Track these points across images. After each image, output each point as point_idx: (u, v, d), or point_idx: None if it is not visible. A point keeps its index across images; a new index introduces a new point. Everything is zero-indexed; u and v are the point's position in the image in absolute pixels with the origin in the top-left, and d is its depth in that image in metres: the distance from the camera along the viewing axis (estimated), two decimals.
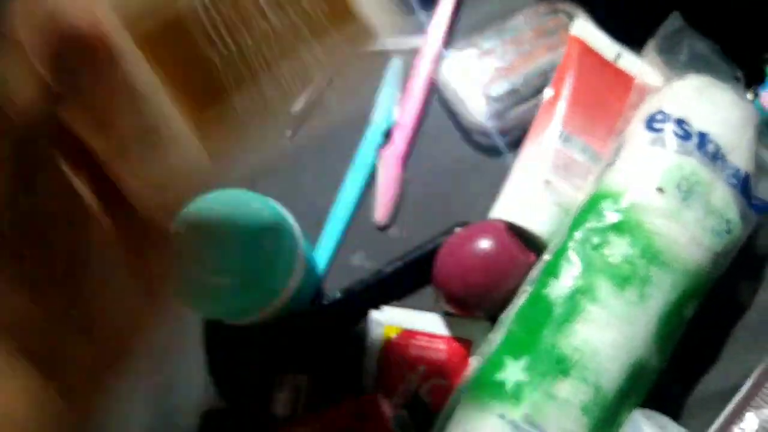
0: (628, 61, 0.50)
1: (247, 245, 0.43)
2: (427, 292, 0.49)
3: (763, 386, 0.43)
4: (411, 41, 0.56)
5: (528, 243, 0.45)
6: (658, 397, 0.41)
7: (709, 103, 0.45)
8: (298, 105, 0.54)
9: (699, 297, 0.41)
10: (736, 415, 0.42)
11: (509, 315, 0.41)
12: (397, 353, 0.47)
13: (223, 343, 0.49)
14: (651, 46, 0.47)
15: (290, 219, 0.45)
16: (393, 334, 0.48)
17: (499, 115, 0.51)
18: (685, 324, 0.41)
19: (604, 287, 0.38)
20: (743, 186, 0.43)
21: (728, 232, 0.41)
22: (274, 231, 0.43)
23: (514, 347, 0.39)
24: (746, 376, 0.43)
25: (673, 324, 0.40)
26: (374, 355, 0.47)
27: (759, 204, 0.45)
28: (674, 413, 0.44)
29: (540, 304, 0.39)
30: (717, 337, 0.45)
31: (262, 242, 0.43)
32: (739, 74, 0.48)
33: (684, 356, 0.42)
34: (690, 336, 0.42)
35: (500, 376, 0.38)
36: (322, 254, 0.51)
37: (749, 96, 0.50)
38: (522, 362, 0.38)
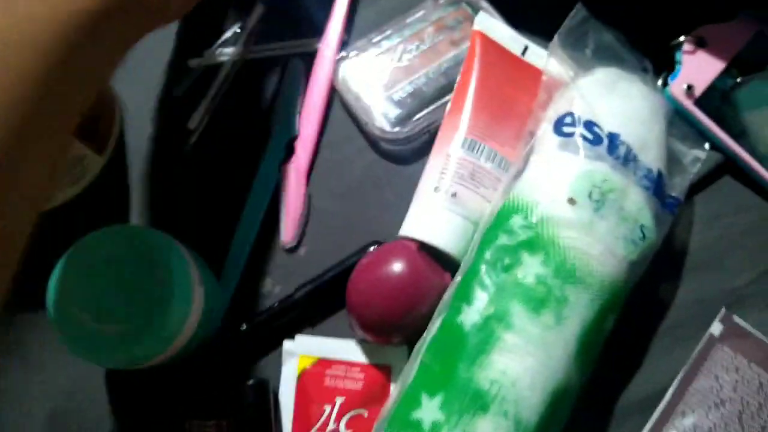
0: (536, 55, 0.48)
1: (134, 288, 0.40)
2: (340, 318, 0.46)
3: (685, 392, 0.42)
4: (309, 43, 0.52)
5: (442, 262, 0.43)
6: (582, 409, 0.40)
7: (618, 97, 0.43)
8: (193, 120, 0.50)
9: (617, 309, 0.40)
10: (663, 423, 0.41)
11: (423, 344, 0.39)
12: (314, 385, 0.45)
13: (125, 388, 0.46)
14: (556, 40, 0.44)
15: (184, 252, 0.42)
16: (308, 365, 0.45)
17: (403, 120, 0.48)
18: (605, 338, 0.40)
19: (518, 312, 0.36)
20: (656, 187, 0.41)
21: (643, 238, 0.40)
22: (165, 270, 0.40)
23: (428, 382, 0.37)
24: (670, 380, 0.42)
25: (593, 341, 0.38)
26: (290, 389, 0.45)
27: (673, 202, 0.44)
28: (600, 425, 0.43)
29: (453, 334, 0.37)
30: (639, 341, 0.44)
31: (151, 283, 0.40)
32: (648, 64, 0.46)
33: (605, 364, 0.41)
34: (611, 345, 0.41)
35: (416, 415, 0.36)
36: (227, 283, 0.47)
37: (659, 83, 0.48)
38: (438, 399, 0.36)
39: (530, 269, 0.37)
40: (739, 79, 0.47)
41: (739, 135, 0.46)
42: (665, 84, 0.48)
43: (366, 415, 0.43)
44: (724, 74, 0.48)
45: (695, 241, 0.46)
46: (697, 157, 0.46)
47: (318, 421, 0.43)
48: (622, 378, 0.43)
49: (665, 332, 0.44)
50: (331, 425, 0.43)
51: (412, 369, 0.38)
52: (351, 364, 0.44)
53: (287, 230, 0.48)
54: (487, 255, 0.38)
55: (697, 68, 0.47)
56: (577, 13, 0.45)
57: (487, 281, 0.38)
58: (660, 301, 0.45)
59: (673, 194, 0.44)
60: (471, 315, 0.37)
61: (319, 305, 0.46)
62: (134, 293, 0.40)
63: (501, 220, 0.39)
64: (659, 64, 0.48)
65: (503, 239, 0.38)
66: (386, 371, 0.44)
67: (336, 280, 0.45)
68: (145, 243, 0.41)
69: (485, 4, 0.50)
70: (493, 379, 0.35)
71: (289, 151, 0.49)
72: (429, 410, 0.36)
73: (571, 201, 0.38)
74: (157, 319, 0.39)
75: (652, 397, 0.42)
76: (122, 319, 0.39)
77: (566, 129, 0.41)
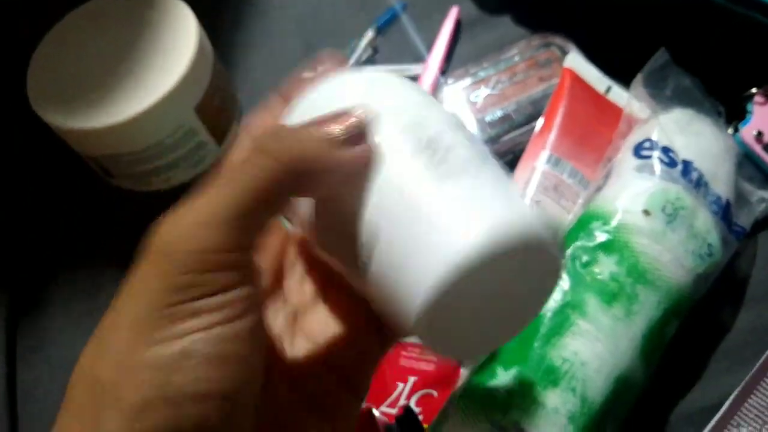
0: (617, 94, 0.53)
1: None
2: None
3: (741, 406, 0.44)
4: (410, 69, 0.58)
5: None
6: (641, 412, 0.43)
7: (693, 134, 0.48)
8: None
9: (681, 316, 0.43)
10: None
11: None
12: (390, 363, 0.49)
13: None
14: (638, 79, 0.50)
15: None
16: None
17: (492, 139, 0.53)
18: (667, 342, 0.43)
19: (592, 303, 0.40)
20: (724, 212, 0.45)
21: (710, 255, 0.43)
22: None
23: (505, 357, 0.40)
24: (725, 396, 0.45)
25: (656, 340, 0.42)
26: None
27: (739, 230, 0.47)
28: (656, 429, 0.46)
29: None
30: (699, 357, 0.47)
31: None
32: (721, 109, 0.51)
33: (666, 374, 0.44)
34: (673, 355, 0.44)
35: (491, 384, 0.40)
36: None
37: (730, 131, 0.53)
38: (513, 372, 0.40)
39: (605, 267, 0.41)
40: None
41: None
42: (736, 130, 0.52)
43: (436, 395, 0.47)
44: None
45: (756, 274, 0.50)
46: (762, 198, 0.50)
47: (390, 396, 0.47)
48: (680, 389, 0.46)
49: (723, 352, 0.47)
50: (402, 401, 0.47)
51: None
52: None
53: None
54: (567, 253, 0.43)
55: (767, 118, 0.52)
56: (660, 56, 0.50)
57: (566, 275, 0.42)
58: (720, 322, 0.48)
59: (740, 223, 0.47)
60: (549, 302, 0.41)
61: None
62: None
63: (582, 224, 0.44)
64: (731, 112, 0.52)
65: (583, 240, 0.43)
66: None
67: None
68: None
69: (573, 48, 0.56)
70: (565, 358, 0.39)
71: None
72: (504, 381, 0.39)
73: (646, 212, 0.42)
74: None
75: (706, 410, 0.45)
76: None
77: (644, 152, 0.45)
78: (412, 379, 0.48)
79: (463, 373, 0.47)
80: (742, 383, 0.45)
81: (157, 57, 0.49)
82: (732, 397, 0.45)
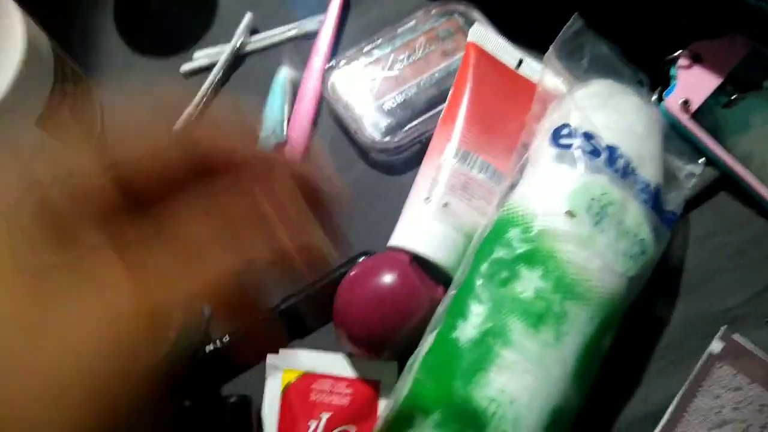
0: (531, 68, 0.47)
1: None
2: (328, 330, 0.44)
3: (685, 410, 0.41)
4: (299, 48, 0.51)
5: (434, 275, 0.41)
6: (580, 430, 0.39)
7: (615, 111, 0.42)
8: (177, 126, 0.48)
9: (615, 326, 0.39)
10: None
11: (416, 360, 0.37)
12: (298, 400, 0.43)
13: None
14: (551, 51, 0.44)
15: None
16: (293, 379, 0.43)
17: (393, 130, 0.47)
18: (603, 356, 0.38)
19: (517, 328, 0.35)
20: (654, 201, 0.40)
21: (642, 253, 0.38)
22: None
23: (423, 400, 0.35)
24: (668, 400, 0.41)
25: (591, 359, 0.37)
26: (274, 405, 0.43)
27: (670, 217, 0.43)
28: None
29: (448, 350, 0.36)
30: (636, 360, 0.43)
31: None
32: (644, 78, 0.45)
33: (602, 384, 0.40)
34: (608, 364, 0.40)
35: None
36: None
37: (653, 98, 0.48)
38: (433, 418, 0.34)
39: (529, 283, 0.36)
40: (734, 96, 0.47)
41: (733, 151, 0.46)
42: (660, 99, 0.47)
43: (354, 430, 0.41)
44: (719, 91, 0.47)
45: (690, 259, 0.45)
46: (692, 173, 0.45)
47: None
48: (620, 397, 0.42)
49: (662, 351, 0.43)
50: None
51: (404, 386, 0.37)
52: (338, 379, 0.43)
53: None
54: (483, 268, 0.37)
55: (693, 84, 0.47)
56: (574, 23, 0.44)
57: (484, 295, 0.36)
58: (656, 319, 0.44)
59: (670, 209, 0.43)
60: (467, 330, 0.36)
61: (305, 318, 0.44)
62: None
63: (497, 233, 0.38)
64: (654, 79, 0.47)
65: (500, 252, 0.37)
66: (375, 386, 0.42)
67: (322, 292, 0.43)
68: None
69: (478, 16, 0.50)
70: (491, 398, 0.34)
71: None
72: (424, 429, 0.34)
73: (570, 214, 0.37)
74: None
75: (650, 417, 0.41)
76: None
77: (563, 141, 0.40)
78: (325, 416, 0.42)
79: (382, 405, 0.41)
80: (685, 384, 0.41)
81: None
82: (675, 401, 0.41)
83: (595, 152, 0.39)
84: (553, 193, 0.38)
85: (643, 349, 0.43)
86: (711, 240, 0.46)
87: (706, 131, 0.46)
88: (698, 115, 0.46)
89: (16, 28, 0.41)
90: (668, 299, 0.44)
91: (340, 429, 0.42)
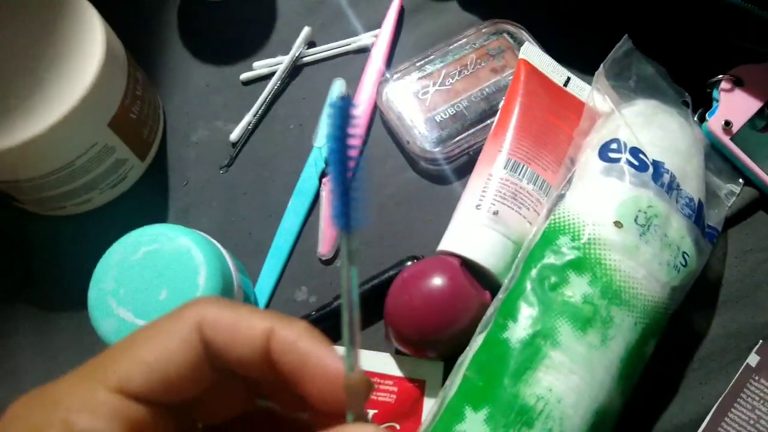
0: (577, 86, 0.49)
1: (172, 285, 0.39)
2: (376, 330, 0.46)
3: (722, 421, 0.42)
4: (354, 61, 0.53)
5: (482, 280, 0.43)
6: None
7: (659, 129, 0.44)
8: (235, 133, 0.51)
9: (658, 334, 0.40)
10: None
11: (466, 359, 0.39)
12: None
13: None
14: (601, 71, 0.46)
15: (224, 255, 0.42)
16: None
17: (444, 141, 0.49)
18: (645, 362, 0.40)
19: (565, 330, 0.37)
20: (697, 215, 0.42)
21: (685, 265, 0.40)
22: (202, 270, 0.40)
23: (473, 396, 0.37)
24: (705, 410, 0.42)
25: (634, 364, 0.38)
26: None
27: (712, 233, 0.44)
28: None
29: (498, 350, 0.37)
30: (675, 369, 0.44)
31: (187, 283, 0.39)
32: (687, 98, 0.47)
33: (642, 391, 0.41)
34: (647, 369, 0.41)
35: (460, 428, 0.36)
36: (262, 290, 0.47)
37: (695, 119, 0.49)
38: (482, 413, 0.36)
39: (577, 288, 0.37)
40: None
41: None
42: (702, 119, 0.49)
43: (398, 428, 0.43)
44: (758, 115, 0.49)
45: (729, 274, 0.47)
46: (732, 191, 0.47)
47: None
48: (658, 405, 0.43)
49: (701, 361, 0.44)
50: None
51: (454, 383, 0.38)
52: (384, 377, 0.44)
53: (325, 242, 0.48)
54: (533, 273, 0.39)
55: (734, 106, 0.49)
56: (623, 44, 0.46)
57: (533, 298, 0.38)
58: (695, 331, 0.45)
59: (711, 224, 0.44)
60: (517, 331, 0.37)
61: None
62: (172, 290, 0.40)
63: (547, 239, 0.40)
64: (696, 101, 0.49)
65: (550, 258, 0.39)
66: (420, 386, 0.44)
67: (373, 292, 0.45)
68: (185, 243, 0.41)
69: (527, 36, 0.52)
70: (539, 396, 0.35)
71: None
72: (473, 424, 0.36)
73: (618, 224, 0.39)
74: None
75: (687, 426, 0.42)
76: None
77: (612, 155, 0.41)
78: (371, 413, 0.44)
79: (427, 404, 0.43)
80: (722, 396, 0.43)
81: (57, 66, 0.42)
82: (712, 411, 0.42)
83: (642, 166, 0.41)
84: (601, 203, 0.40)
85: (683, 358, 0.45)
86: (750, 256, 0.47)
87: (746, 152, 0.47)
88: (737, 137, 0.48)
89: (97, 32, 0.43)
90: (708, 311, 0.46)
91: (384, 426, 0.43)
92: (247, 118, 0.52)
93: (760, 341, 0.44)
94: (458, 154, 0.49)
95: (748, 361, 0.43)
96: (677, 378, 0.44)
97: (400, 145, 0.50)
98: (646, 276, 0.38)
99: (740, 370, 0.43)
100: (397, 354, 0.45)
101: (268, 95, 0.52)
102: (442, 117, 0.49)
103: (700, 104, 0.50)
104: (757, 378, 0.43)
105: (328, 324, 0.46)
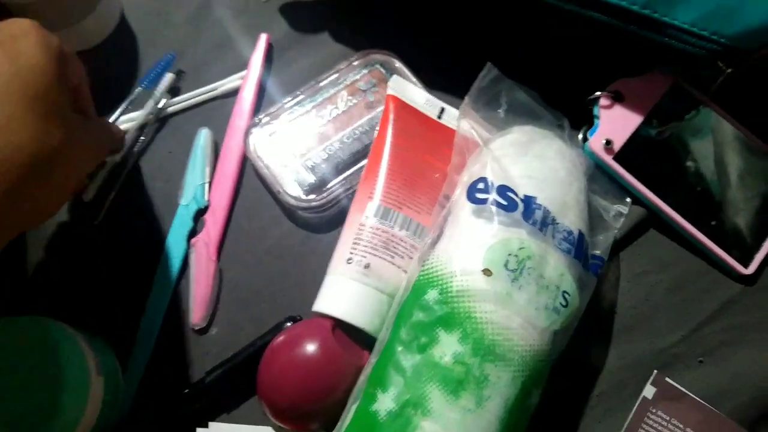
0: (453, 116, 0.47)
1: (21, 383, 0.36)
2: (256, 402, 0.43)
3: None
4: (224, 106, 0.50)
5: (360, 339, 0.40)
6: None
7: (535, 158, 0.42)
8: (90, 192, 0.47)
9: (542, 382, 0.38)
10: None
11: None
12: None
13: None
14: (466, 101, 0.43)
15: (80, 341, 0.39)
16: None
17: (317, 187, 0.46)
18: (530, 414, 0.38)
19: (436, 397, 0.34)
20: (577, 249, 0.40)
21: (566, 305, 0.38)
22: (57, 363, 0.37)
23: None
24: None
25: (517, 421, 0.36)
26: None
27: (597, 263, 0.42)
28: None
29: (367, 424, 0.35)
30: (571, 412, 0.42)
31: (41, 379, 0.36)
32: (564, 122, 0.45)
33: None
34: (540, 418, 0.39)
35: None
36: (134, 369, 0.44)
37: (579, 137, 0.47)
38: None
39: (447, 348, 0.35)
40: (660, 128, 0.47)
41: (662, 186, 0.46)
42: (585, 139, 0.47)
43: None
44: (645, 124, 0.47)
45: (622, 300, 0.45)
46: (620, 212, 0.45)
47: None
48: None
49: (598, 398, 0.43)
50: None
51: None
52: None
53: (196, 310, 0.45)
54: (403, 334, 0.36)
55: (616, 122, 0.47)
56: (488, 72, 0.44)
57: (404, 363, 0.35)
58: (590, 365, 0.43)
59: (597, 253, 0.42)
60: (386, 402, 0.35)
61: (233, 389, 0.43)
62: (21, 389, 0.36)
63: (416, 295, 0.37)
64: (578, 119, 0.47)
65: (419, 315, 0.36)
66: None
67: (250, 361, 0.42)
68: (35, 335, 0.38)
69: (399, 65, 0.49)
70: None
71: (198, 223, 0.47)
72: None
73: (487, 272, 0.36)
74: (46, 416, 0.36)
75: None
76: (8, 416, 0.36)
77: (479, 195, 0.39)
78: None
79: None
80: None
81: None
82: None
83: (511, 206, 0.38)
84: (470, 250, 0.37)
85: (578, 398, 0.43)
86: (643, 279, 0.46)
87: (632, 169, 0.46)
88: (624, 153, 0.46)
89: None
90: (602, 344, 0.44)
91: None
92: (102, 174, 0.48)
93: (655, 372, 0.42)
94: (334, 200, 0.46)
95: (644, 393, 0.41)
96: (574, 419, 0.42)
97: (273, 195, 0.47)
98: (522, 324, 0.36)
99: (636, 404, 0.41)
100: (279, 429, 0.42)
101: (132, 147, 0.49)
102: (314, 162, 0.47)
103: (583, 123, 0.48)
104: (654, 411, 0.41)
105: (204, 401, 0.43)
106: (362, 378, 0.37)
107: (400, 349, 0.36)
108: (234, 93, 0.51)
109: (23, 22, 0.36)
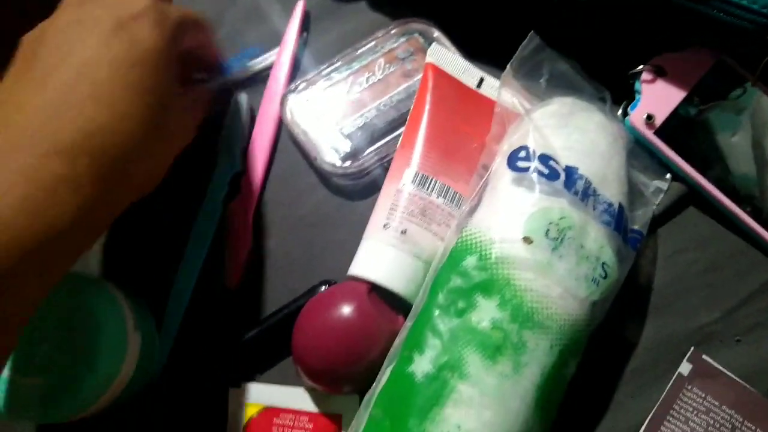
0: (493, 87, 0.46)
1: (59, 337, 0.37)
2: (288, 364, 0.43)
3: None
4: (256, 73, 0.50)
5: (393, 304, 0.40)
6: None
7: (576, 130, 0.41)
8: None
9: (579, 353, 0.38)
10: None
11: (372, 396, 0.36)
12: None
13: None
14: (508, 70, 0.43)
15: (117, 297, 0.39)
16: (255, 413, 0.42)
17: (354, 155, 0.46)
18: (567, 383, 0.37)
19: (473, 361, 0.34)
20: (617, 222, 0.39)
21: (605, 277, 0.37)
22: (94, 316, 0.37)
23: None
24: (638, 423, 0.40)
25: (553, 389, 0.36)
26: None
27: (636, 237, 0.42)
28: None
29: (403, 385, 0.34)
30: (604, 383, 0.42)
31: (79, 331, 0.37)
32: (606, 94, 0.44)
33: (569, 409, 0.39)
34: (575, 389, 0.38)
35: None
36: (169, 327, 0.44)
37: (619, 113, 0.47)
38: None
39: (485, 313, 0.35)
40: (701, 107, 0.46)
41: (702, 164, 0.45)
42: (625, 114, 0.46)
43: None
44: (686, 102, 0.46)
45: (660, 276, 0.44)
46: (659, 188, 0.44)
47: None
48: (588, 423, 0.41)
49: (631, 373, 0.42)
50: None
51: (361, 422, 0.36)
52: (299, 413, 0.42)
53: (231, 273, 0.45)
54: (440, 298, 0.36)
55: (657, 97, 0.46)
56: (531, 41, 0.43)
57: (441, 327, 0.35)
58: (625, 340, 0.43)
59: (636, 228, 0.42)
60: (423, 364, 0.34)
61: (266, 351, 0.43)
62: (60, 342, 0.37)
63: (454, 260, 0.37)
64: (619, 93, 0.46)
65: (456, 281, 0.36)
66: (337, 420, 0.41)
67: (284, 323, 0.42)
68: (73, 288, 0.38)
69: (438, 35, 0.49)
70: None
71: (234, 188, 0.47)
72: None
73: (527, 240, 0.36)
74: (83, 369, 0.37)
75: None
76: (46, 370, 0.36)
77: (521, 164, 0.39)
78: None
79: None
80: (654, 408, 0.40)
81: None
82: (643, 427, 0.40)
83: (552, 175, 0.38)
84: (510, 218, 0.37)
85: (612, 372, 0.42)
86: (681, 256, 0.45)
87: (672, 145, 0.45)
88: (664, 129, 0.45)
89: None
90: (638, 320, 0.43)
91: None
92: None
93: (692, 348, 0.42)
94: (370, 167, 0.46)
95: (680, 370, 0.41)
96: (607, 393, 0.42)
97: (309, 162, 0.47)
98: (562, 294, 0.36)
99: (672, 381, 0.41)
100: (311, 389, 0.42)
101: None
102: (350, 129, 0.46)
103: (625, 97, 0.47)
104: (690, 387, 0.40)
105: (240, 360, 0.43)
106: (398, 341, 0.37)
107: (437, 313, 0.36)
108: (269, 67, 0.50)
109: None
